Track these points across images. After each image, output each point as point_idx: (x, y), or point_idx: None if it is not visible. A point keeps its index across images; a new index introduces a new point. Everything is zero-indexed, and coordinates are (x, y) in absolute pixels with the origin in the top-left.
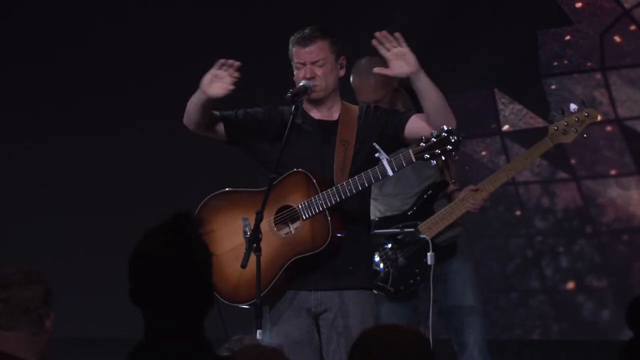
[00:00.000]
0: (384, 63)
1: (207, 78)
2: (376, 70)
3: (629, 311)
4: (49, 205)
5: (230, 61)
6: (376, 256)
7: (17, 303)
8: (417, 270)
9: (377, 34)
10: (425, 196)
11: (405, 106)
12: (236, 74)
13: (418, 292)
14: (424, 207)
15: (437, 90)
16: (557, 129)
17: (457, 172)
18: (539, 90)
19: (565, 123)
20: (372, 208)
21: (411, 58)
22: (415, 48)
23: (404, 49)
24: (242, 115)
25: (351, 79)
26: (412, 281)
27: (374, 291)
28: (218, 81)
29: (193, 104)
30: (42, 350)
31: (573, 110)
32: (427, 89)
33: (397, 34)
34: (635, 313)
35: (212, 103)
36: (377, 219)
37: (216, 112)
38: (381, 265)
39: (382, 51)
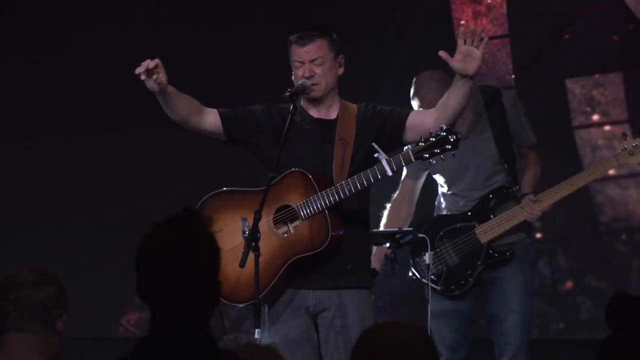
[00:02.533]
0: (445, 77)
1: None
2: (440, 52)
3: (609, 308)
4: (49, 205)
5: (140, 69)
6: (428, 255)
7: (27, 304)
8: (469, 272)
9: (474, 26)
10: (486, 200)
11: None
12: (151, 67)
13: (471, 292)
14: (482, 211)
15: (467, 98)
16: (624, 149)
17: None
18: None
19: (634, 144)
20: (439, 202)
21: (477, 65)
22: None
23: (479, 54)
24: (241, 113)
25: (412, 92)
26: (462, 282)
27: (436, 287)
28: (147, 81)
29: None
30: (53, 351)
31: None
32: (462, 93)
33: (486, 39)
34: (614, 310)
35: (163, 96)
36: (443, 214)
37: (215, 111)
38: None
39: (460, 41)
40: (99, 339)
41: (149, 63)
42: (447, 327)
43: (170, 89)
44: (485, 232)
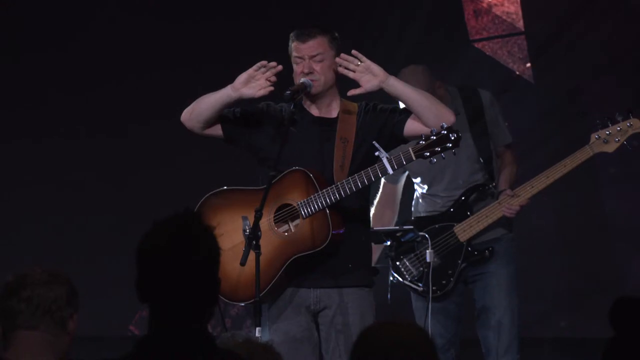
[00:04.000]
0: (428, 71)
1: (242, 77)
2: (349, 93)
3: (612, 311)
4: (49, 205)
5: (273, 63)
6: (411, 256)
7: (39, 303)
8: (450, 272)
9: (338, 59)
10: (463, 199)
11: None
12: (273, 78)
13: (455, 291)
14: (460, 210)
15: (418, 91)
16: (599, 138)
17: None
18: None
19: (608, 132)
20: (417, 205)
21: (376, 69)
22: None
23: (367, 63)
24: (240, 113)
25: None
26: (444, 282)
27: (418, 289)
28: (254, 82)
29: (213, 100)
30: (64, 351)
31: (618, 119)
32: (404, 93)
33: (354, 52)
34: (618, 313)
35: (235, 103)
36: (421, 216)
37: None
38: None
39: (350, 74)
40: (99, 338)
41: (275, 65)
42: (435, 326)
43: None
44: (464, 230)
